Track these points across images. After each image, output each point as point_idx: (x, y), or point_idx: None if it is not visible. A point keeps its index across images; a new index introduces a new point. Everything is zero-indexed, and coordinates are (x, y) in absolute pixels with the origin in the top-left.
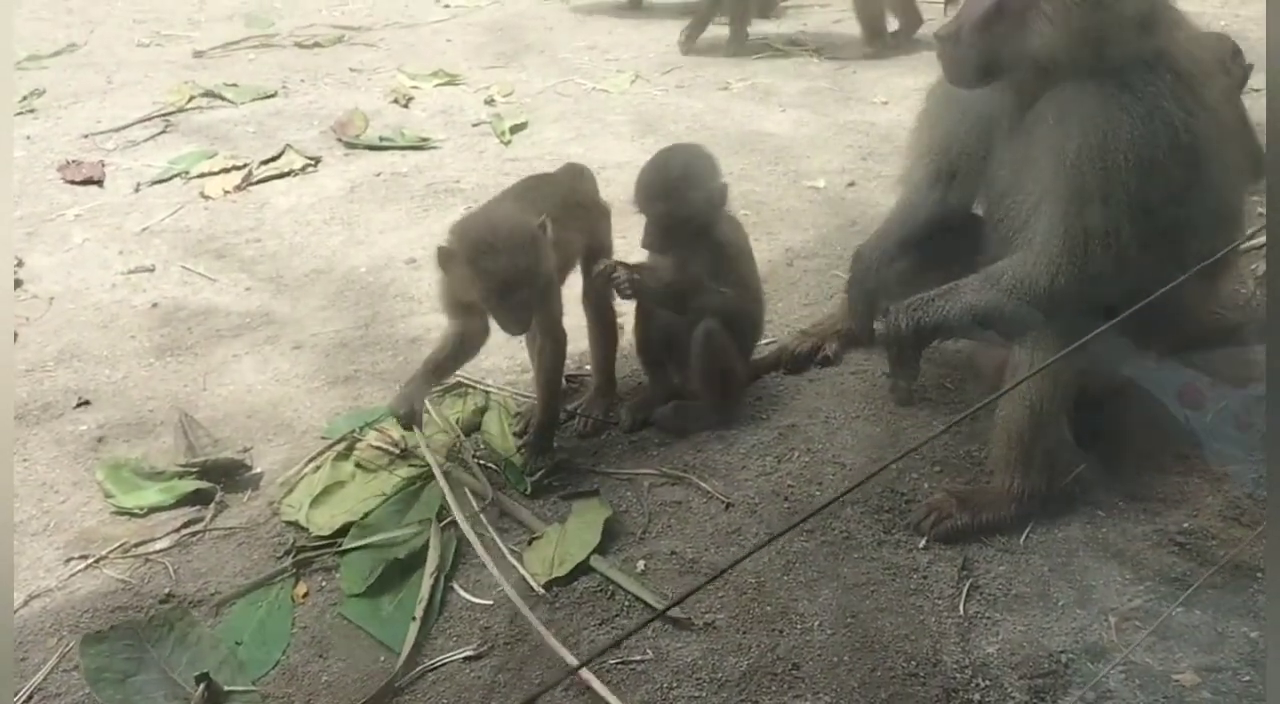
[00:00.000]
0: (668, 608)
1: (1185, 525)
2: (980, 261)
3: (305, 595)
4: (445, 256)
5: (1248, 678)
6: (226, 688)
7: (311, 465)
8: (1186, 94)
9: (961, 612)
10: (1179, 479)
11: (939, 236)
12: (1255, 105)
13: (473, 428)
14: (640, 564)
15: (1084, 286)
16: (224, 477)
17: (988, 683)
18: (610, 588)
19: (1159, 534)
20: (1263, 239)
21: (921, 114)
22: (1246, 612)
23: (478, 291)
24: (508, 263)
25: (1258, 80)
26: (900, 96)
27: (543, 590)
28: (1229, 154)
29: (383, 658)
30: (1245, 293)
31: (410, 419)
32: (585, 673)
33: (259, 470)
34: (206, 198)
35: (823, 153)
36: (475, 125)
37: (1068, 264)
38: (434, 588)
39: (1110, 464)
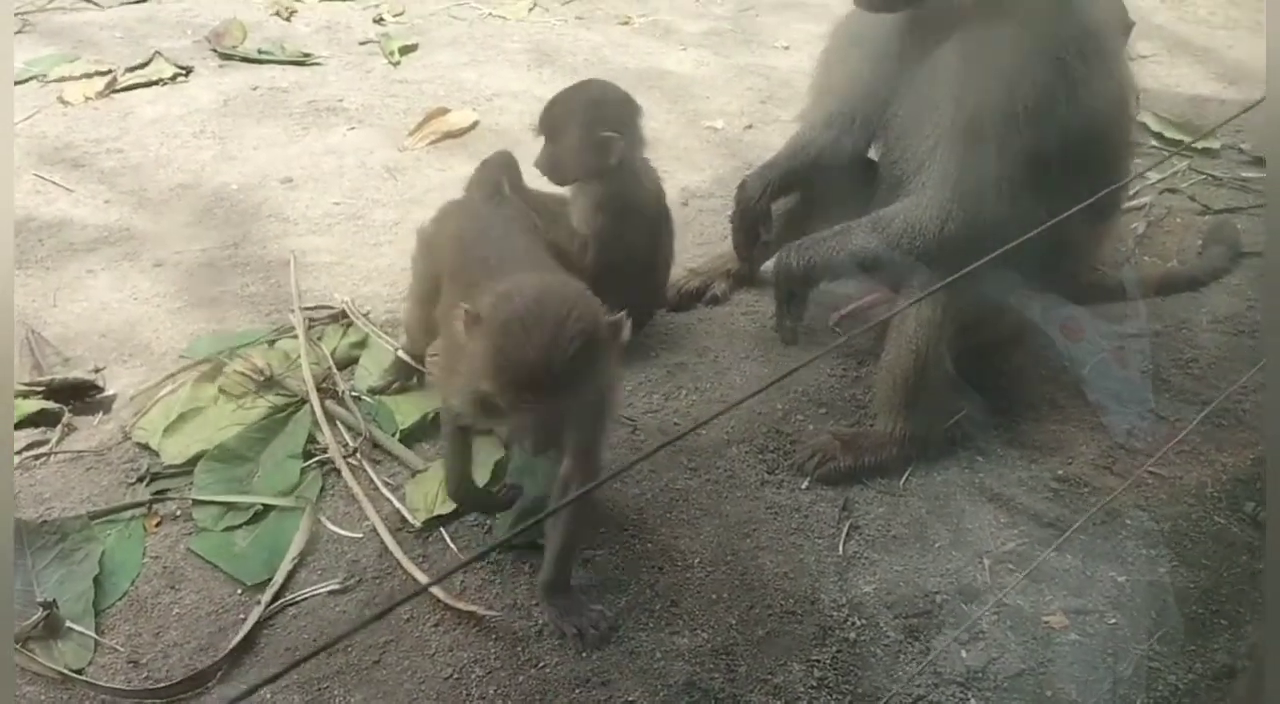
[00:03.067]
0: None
1: (1060, 472)
2: (872, 206)
3: (158, 524)
4: (470, 323)
5: (1113, 620)
6: (68, 624)
7: (169, 386)
8: (1090, 48)
9: (840, 552)
10: (1056, 428)
11: (831, 178)
12: (1140, 71)
13: (348, 362)
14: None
15: (974, 234)
16: (73, 397)
17: (863, 621)
18: (488, 524)
19: (1035, 480)
20: (1145, 200)
21: (825, 52)
22: (1115, 557)
23: (492, 387)
24: (545, 359)
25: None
26: (802, 42)
27: (419, 526)
28: (1125, 113)
29: (240, 591)
30: (1125, 252)
31: None
32: (438, 591)
33: (111, 392)
34: (65, 103)
35: (722, 94)
36: (362, 44)
37: (959, 211)
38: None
39: (991, 412)
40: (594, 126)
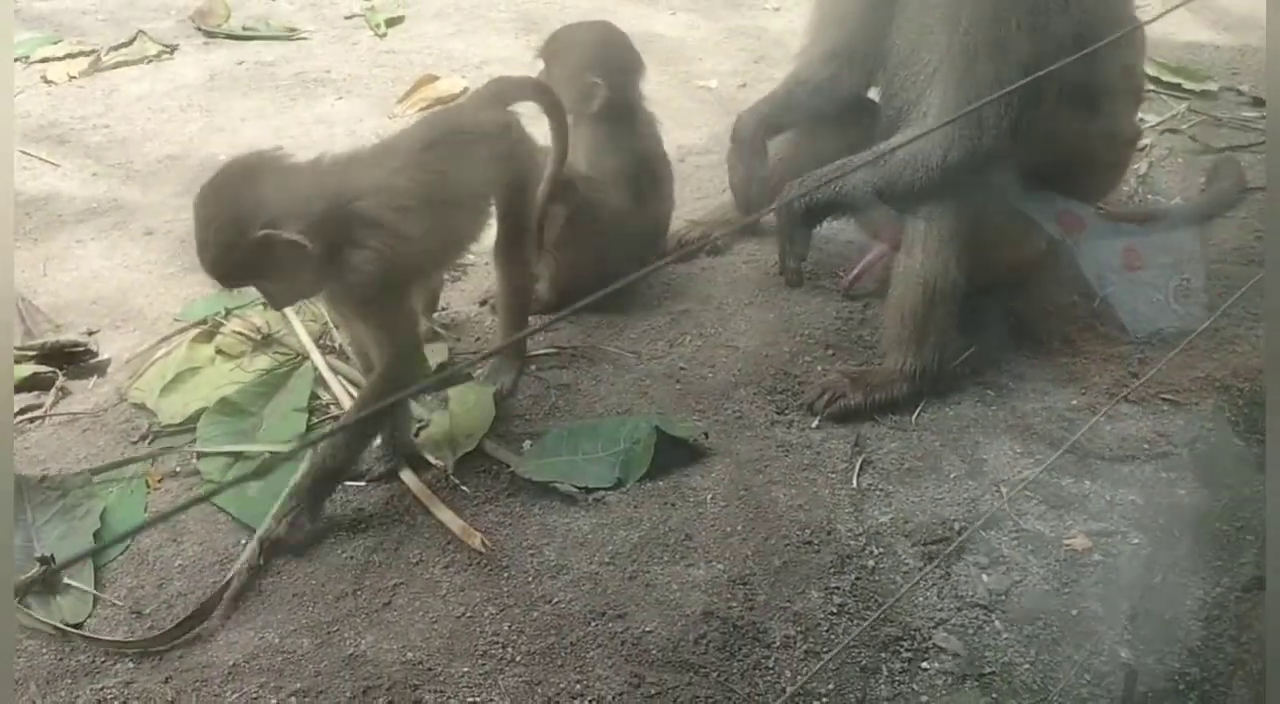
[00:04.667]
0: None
1: (1074, 402)
2: (874, 142)
3: (160, 481)
4: None
5: (1136, 541)
6: (66, 579)
7: (164, 349)
8: None
9: (855, 485)
10: (1067, 360)
11: (831, 116)
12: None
13: None
14: (526, 444)
15: (976, 162)
16: (66, 361)
17: (881, 549)
18: (494, 468)
19: (1048, 411)
20: (1145, 141)
21: None
22: (1135, 481)
23: None
24: (200, 240)
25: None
26: (793, 3)
27: (452, 469)
28: (1120, 44)
29: (242, 540)
30: (1128, 190)
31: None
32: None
33: (106, 357)
34: (49, 83)
35: (714, 55)
36: (348, 18)
37: (960, 139)
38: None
39: (1000, 345)
40: (582, 68)
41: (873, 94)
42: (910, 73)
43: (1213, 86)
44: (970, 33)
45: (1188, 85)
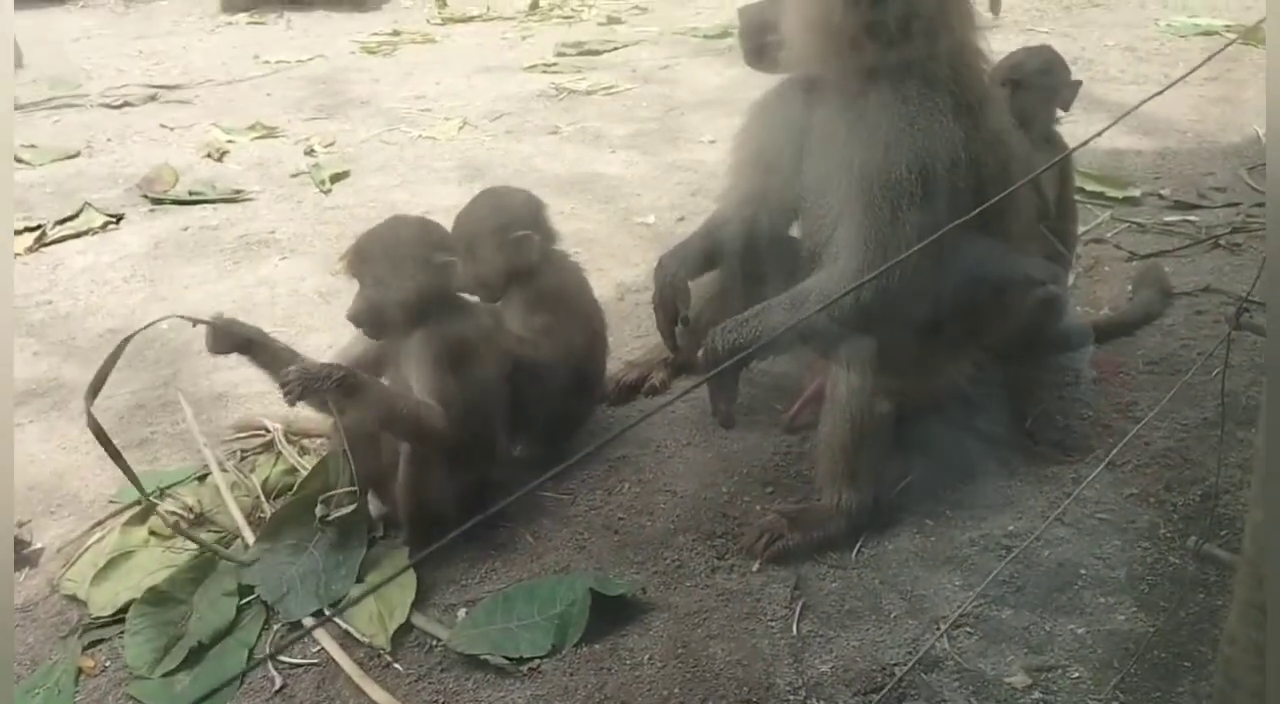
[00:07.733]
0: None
1: (1011, 528)
2: (795, 281)
3: (94, 667)
4: None
5: (1076, 674)
6: None
7: (98, 533)
8: (965, 110)
9: (795, 632)
10: (1002, 484)
11: (752, 256)
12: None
13: (284, 490)
14: (461, 612)
15: (887, 300)
16: None
17: (823, 702)
18: (427, 641)
19: (986, 539)
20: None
21: (739, 132)
22: (1073, 609)
23: None
24: None
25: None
26: (728, 135)
27: (388, 646)
28: (1014, 174)
29: None
30: None
31: None
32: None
33: (39, 546)
34: None
35: (653, 191)
36: (294, 176)
37: (870, 279)
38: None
39: (936, 474)
40: (504, 230)
41: (795, 230)
42: (820, 215)
43: (1135, 192)
44: (865, 175)
45: (1110, 193)
